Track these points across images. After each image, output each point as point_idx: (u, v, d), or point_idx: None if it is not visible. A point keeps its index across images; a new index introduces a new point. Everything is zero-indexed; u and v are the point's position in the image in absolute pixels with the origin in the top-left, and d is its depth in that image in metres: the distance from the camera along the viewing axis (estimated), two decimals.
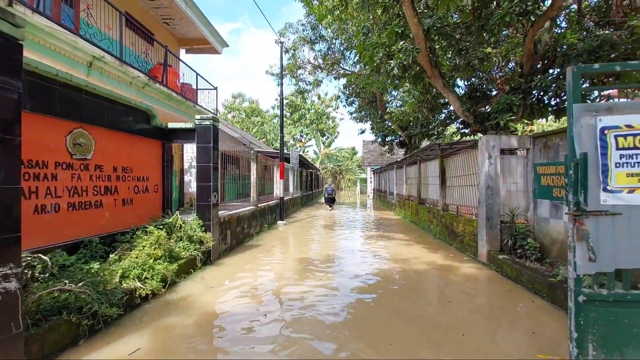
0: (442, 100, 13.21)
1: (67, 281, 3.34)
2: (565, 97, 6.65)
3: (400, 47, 6.84)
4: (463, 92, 11.20)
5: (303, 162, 21.48)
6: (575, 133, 2.11)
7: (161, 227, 5.29)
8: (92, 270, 3.86)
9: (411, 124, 14.85)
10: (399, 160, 16.92)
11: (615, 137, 2.06)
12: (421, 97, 10.59)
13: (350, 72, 15.95)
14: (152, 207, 5.88)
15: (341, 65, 16.82)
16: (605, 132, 2.07)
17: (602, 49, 5.62)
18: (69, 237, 4.25)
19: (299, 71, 18.11)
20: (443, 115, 14.30)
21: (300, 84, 18.68)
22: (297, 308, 3.99)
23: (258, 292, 4.56)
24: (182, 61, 11.66)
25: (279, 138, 12.86)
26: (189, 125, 6.12)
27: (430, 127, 13.12)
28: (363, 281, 5.10)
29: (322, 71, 17.61)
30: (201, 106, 12.33)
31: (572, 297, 2.13)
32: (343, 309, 3.98)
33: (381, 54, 7.28)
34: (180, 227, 5.59)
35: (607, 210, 2.06)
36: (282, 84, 12.68)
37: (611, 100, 9.16)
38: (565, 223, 5.23)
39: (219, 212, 7.10)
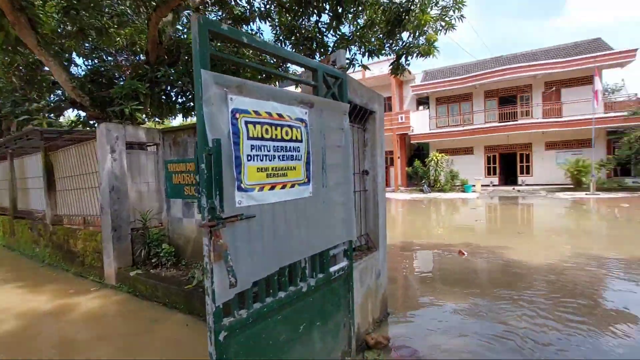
0: (53, 78, 9.75)
1: None
2: (192, 97, 6.80)
3: None
4: (84, 73, 8.83)
5: None
6: (206, 111, 1.51)
7: None
8: None
9: None
10: None
11: (246, 123, 1.70)
12: (6, 57, 6.99)
13: None
14: None
15: None
16: (237, 115, 1.65)
17: (222, 51, 6.19)
18: None
19: None
20: (56, 98, 10.72)
21: None
22: None
23: None
24: None
25: None
26: None
27: (32, 107, 9.28)
28: None
29: None
30: None
31: (213, 338, 1.54)
32: None
33: None
34: None
35: (242, 214, 1.65)
36: None
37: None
38: (198, 221, 5.21)
39: None
